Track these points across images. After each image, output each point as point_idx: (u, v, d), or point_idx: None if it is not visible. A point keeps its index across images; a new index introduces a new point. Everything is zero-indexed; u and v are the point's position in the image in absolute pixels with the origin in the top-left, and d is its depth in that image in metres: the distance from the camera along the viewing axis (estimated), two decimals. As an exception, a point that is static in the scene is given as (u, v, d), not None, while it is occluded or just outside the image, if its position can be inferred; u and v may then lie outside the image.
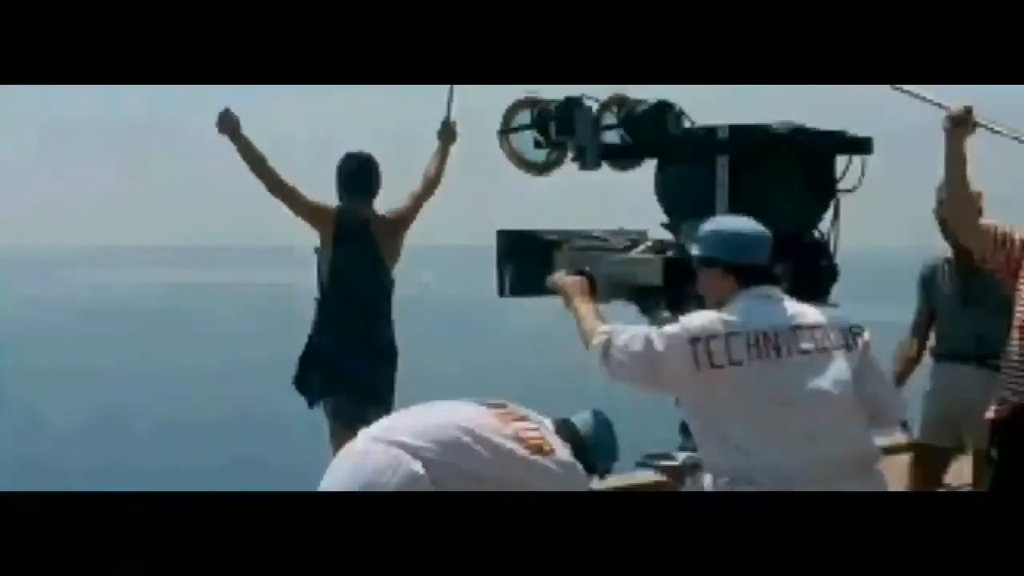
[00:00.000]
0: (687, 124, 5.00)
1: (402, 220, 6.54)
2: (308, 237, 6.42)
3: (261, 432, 16.56)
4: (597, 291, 4.29)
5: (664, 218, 4.93)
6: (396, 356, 6.46)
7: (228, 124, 6.18)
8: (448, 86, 6.52)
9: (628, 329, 3.98)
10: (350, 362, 6.27)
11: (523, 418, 4.25)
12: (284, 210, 6.40)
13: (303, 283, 6.72)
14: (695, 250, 4.08)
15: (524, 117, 5.19)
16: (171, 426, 18.37)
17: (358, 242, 6.35)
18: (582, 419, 4.40)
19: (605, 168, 5.16)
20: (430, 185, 6.68)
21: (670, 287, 4.59)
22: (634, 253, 4.80)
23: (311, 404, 6.36)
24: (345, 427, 5.66)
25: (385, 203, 6.52)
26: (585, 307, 4.16)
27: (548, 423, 4.33)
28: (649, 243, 4.84)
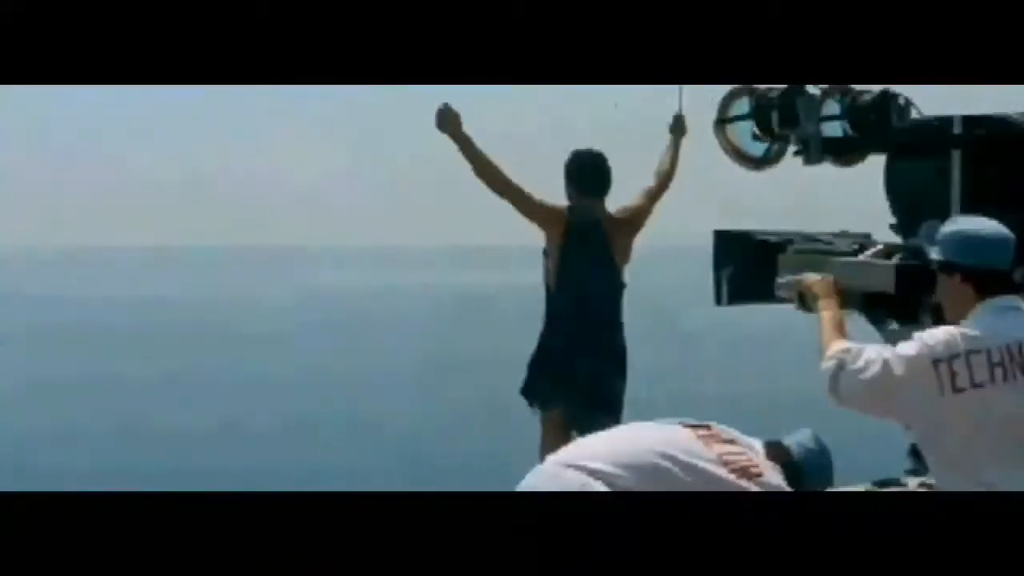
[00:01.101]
0: (914, 115, 4.59)
1: (635, 219, 6.23)
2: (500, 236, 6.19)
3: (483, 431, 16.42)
4: (844, 297, 3.96)
5: (893, 219, 4.56)
6: (626, 363, 6.14)
7: (448, 121, 5.88)
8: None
9: (865, 350, 3.57)
10: (580, 369, 6.00)
11: (730, 440, 3.87)
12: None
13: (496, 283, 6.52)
14: (934, 254, 3.65)
15: (741, 106, 4.83)
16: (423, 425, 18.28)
17: (589, 243, 6.05)
18: (796, 441, 4.00)
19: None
20: (663, 182, 6.39)
21: (902, 295, 4.21)
22: (862, 257, 4.42)
23: (544, 411, 6.05)
24: (568, 436, 5.50)
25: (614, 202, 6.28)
26: (830, 314, 3.81)
27: (758, 445, 3.93)
28: (878, 246, 4.45)
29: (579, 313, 6.02)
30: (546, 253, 6.12)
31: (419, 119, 6.07)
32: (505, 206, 6.12)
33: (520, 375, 6.21)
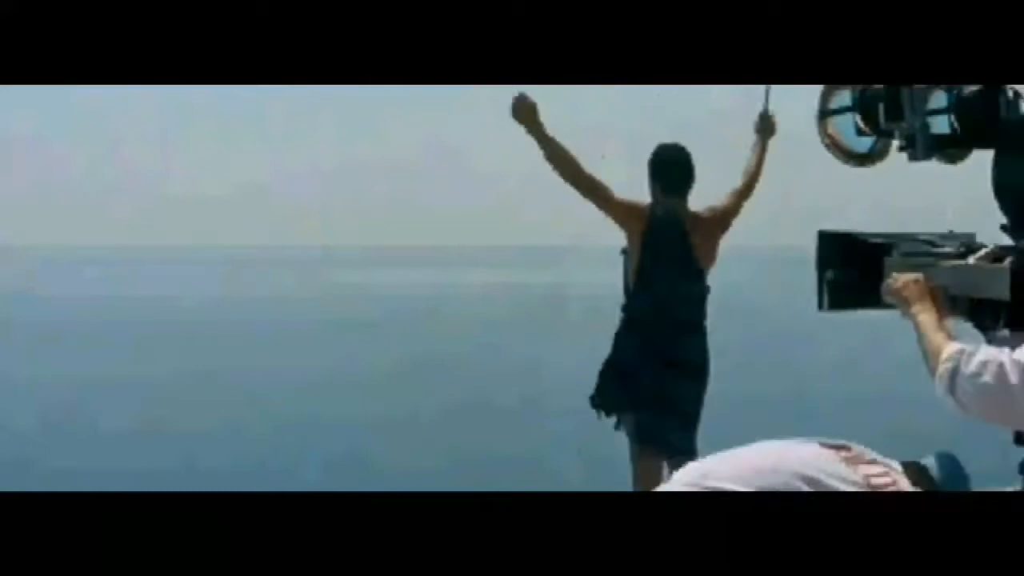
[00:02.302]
0: None
1: (721, 220, 6.08)
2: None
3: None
4: (940, 297, 3.78)
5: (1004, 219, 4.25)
6: (707, 372, 5.92)
7: (524, 112, 5.70)
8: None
9: (979, 352, 3.39)
10: (656, 376, 5.79)
11: (872, 462, 3.65)
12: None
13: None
14: None
15: (844, 98, 4.53)
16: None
17: (671, 244, 5.89)
18: (934, 464, 3.78)
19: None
20: (750, 182, 6.23)
21: (1017, 301, 3.97)
22: (972, 260, 4.18)
23: (617, 421, 5.88)
24: (647, 448, 5.34)
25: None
26: (927, 316, 3.65)
27: (896, 466, 3.72)
28: (987, 248, 4.20)
29: (658, 318, 5.83)
30: (625, 253, 5.91)
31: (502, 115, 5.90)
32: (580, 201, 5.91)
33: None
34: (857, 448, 3.69)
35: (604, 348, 6.03)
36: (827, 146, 4.64)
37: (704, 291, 5.96)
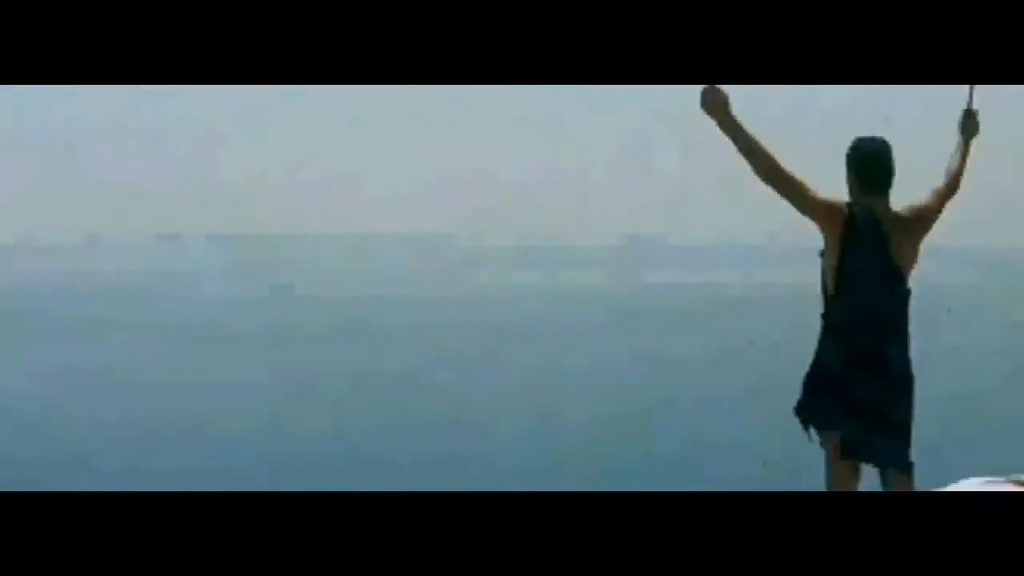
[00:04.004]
0: None
1: (923, 220, 5.52)
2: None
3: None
4: None
5: None
6: (912, 382, 5.46)
7: (715, 103, 5.13)
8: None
9: None
10: (861, 389, 5.37)
11: None
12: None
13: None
14: None
15: None
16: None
17: (871, 245, 5.41)
18: None
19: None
20: (954, 182, 5.59)
21: None
22: None
23: (818, 433, 5.44)
24: (846, 463, 5.13)
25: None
26: None
27: None
28: None
29: (860, 324, 5.44)
30: (823, 254, 5.48)
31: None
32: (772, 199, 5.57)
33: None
34: None
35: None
36: None
37: (906, 295, 5.53)
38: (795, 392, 5.39)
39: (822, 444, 5.37)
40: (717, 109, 5.04)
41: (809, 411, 5.46)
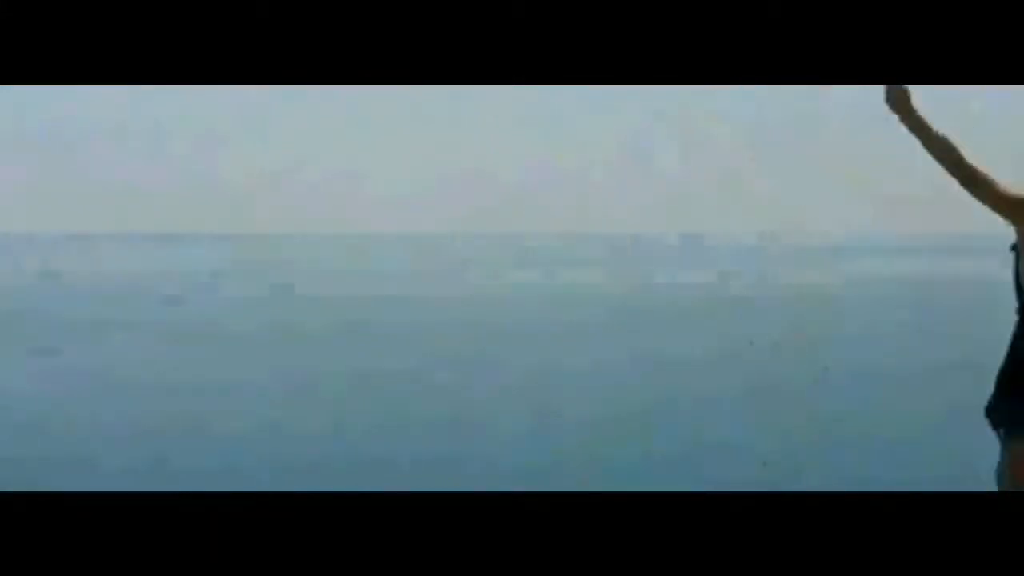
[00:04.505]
0: None
1: None
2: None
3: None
4: None
5: None
6: None
7: (899, 101, 5.02)
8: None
9: None
10: None
11: None
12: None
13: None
14: None
15: None
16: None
17: None
18: None
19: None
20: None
21: None
22: None
23: (1008, 438, 5.12)
24: None
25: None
26: None
27: None
28: None
29: None
30: (1015, 249, 5.30)
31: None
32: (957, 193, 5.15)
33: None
34: None
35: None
36: None
37: None
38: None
39: (1009, 449, 5.08)
40: (902, 106, 4.91)
41: (1002, 415, 5.20)
